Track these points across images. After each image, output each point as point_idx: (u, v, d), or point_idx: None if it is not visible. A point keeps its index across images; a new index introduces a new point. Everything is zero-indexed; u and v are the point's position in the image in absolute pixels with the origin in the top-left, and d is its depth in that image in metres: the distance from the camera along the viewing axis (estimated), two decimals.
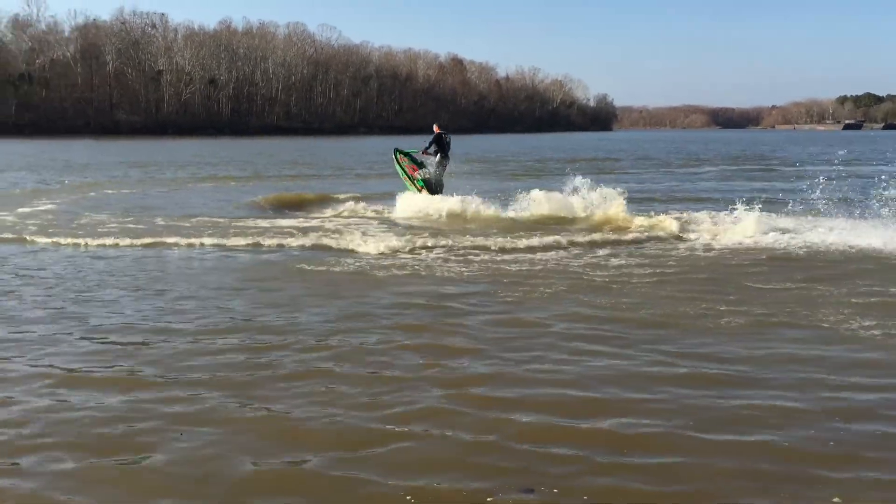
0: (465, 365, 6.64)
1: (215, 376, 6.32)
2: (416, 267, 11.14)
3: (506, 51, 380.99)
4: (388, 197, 19.87)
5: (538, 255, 12.18)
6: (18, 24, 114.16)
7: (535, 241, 13.27)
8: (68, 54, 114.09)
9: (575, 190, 17.74)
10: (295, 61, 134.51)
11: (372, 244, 12.80)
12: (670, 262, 11.46)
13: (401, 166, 20.03)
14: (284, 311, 8.55)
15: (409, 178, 19.64)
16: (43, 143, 68.15)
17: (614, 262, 11.52)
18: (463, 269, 10.96)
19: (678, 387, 6.03)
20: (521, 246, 12.91)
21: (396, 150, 20.46)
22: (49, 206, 19.04)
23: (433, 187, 19.17)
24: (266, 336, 7.50)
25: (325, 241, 13.50)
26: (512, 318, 8.18)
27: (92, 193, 23.18)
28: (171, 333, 7.60)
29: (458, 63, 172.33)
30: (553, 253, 12.41)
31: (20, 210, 18.08)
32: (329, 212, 18.88)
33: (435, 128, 19.44)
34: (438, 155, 19.14)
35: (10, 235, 14.40)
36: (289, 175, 33.03)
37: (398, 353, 6.97)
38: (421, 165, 19.73)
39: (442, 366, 6.60)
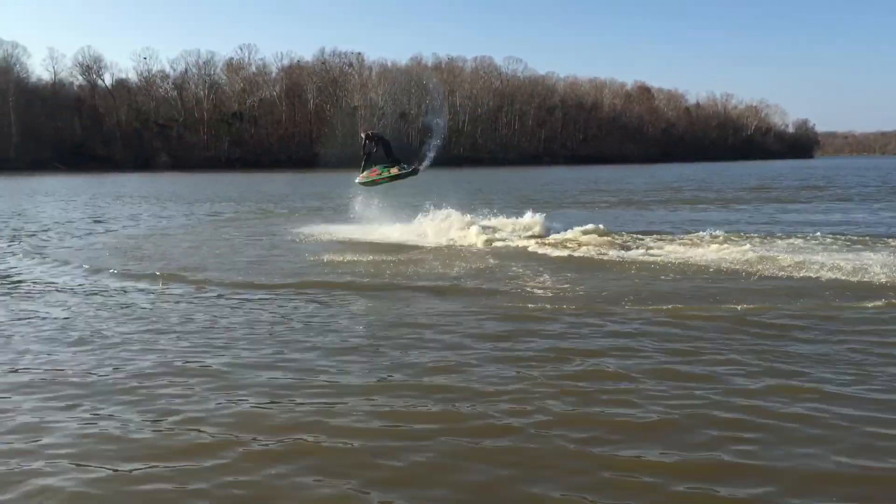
0: None
1: None
2: None
3: (696, 77, 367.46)
4: None
5: None
6: (232, 68, 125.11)
7: None
8: (275, 93, 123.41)
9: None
10: (481, 94, 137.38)
11: None
12: None
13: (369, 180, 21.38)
14: None
15: (377, 177, 21.37)
16: (262, 176, 73.34)
17: None
18: None
19: None
20: None
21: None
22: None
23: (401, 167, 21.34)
24: None
25: None
26: None
27: None
28: None
29: (645, 90, 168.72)
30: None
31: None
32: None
33: (362, 134, 21.87)
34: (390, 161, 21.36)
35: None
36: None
37: None
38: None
39: None
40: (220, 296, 11.45)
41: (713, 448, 5.43)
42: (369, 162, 21.67)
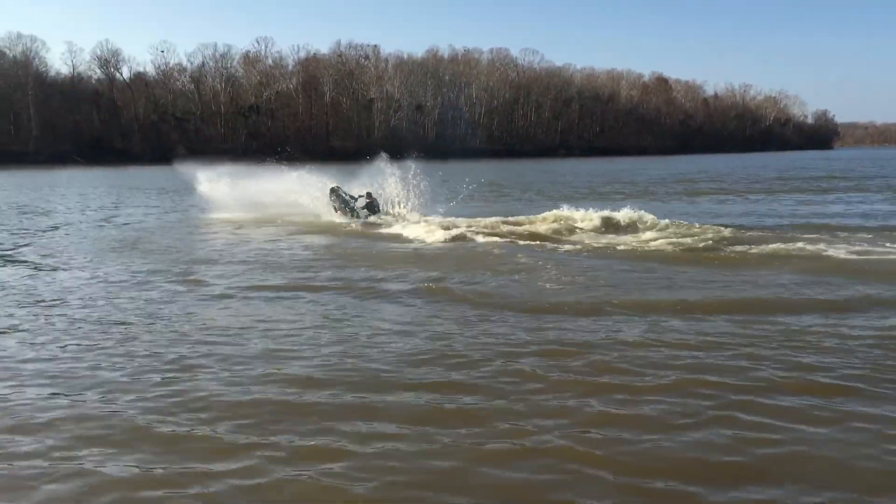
0: None
1: None
2: None
3: (714, 68, 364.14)
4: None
5: None
6: (248, 61, 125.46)
7: None
8: (291, 86, 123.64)
9: None
10: (497, 85, 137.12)
11: None
12: None
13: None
14: None
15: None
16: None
17: None
18: None
19: None
20: None
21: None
22: None
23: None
24: None
25: None
26: None
27: None
28: None
29: (662, 82, 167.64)
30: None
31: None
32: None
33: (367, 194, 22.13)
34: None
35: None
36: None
37: None
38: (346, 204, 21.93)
39: None
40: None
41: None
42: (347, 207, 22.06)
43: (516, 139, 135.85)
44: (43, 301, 10.62)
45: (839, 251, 13.47)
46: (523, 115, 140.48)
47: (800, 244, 14.27)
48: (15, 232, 20.17)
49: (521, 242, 15.96)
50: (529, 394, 6.35)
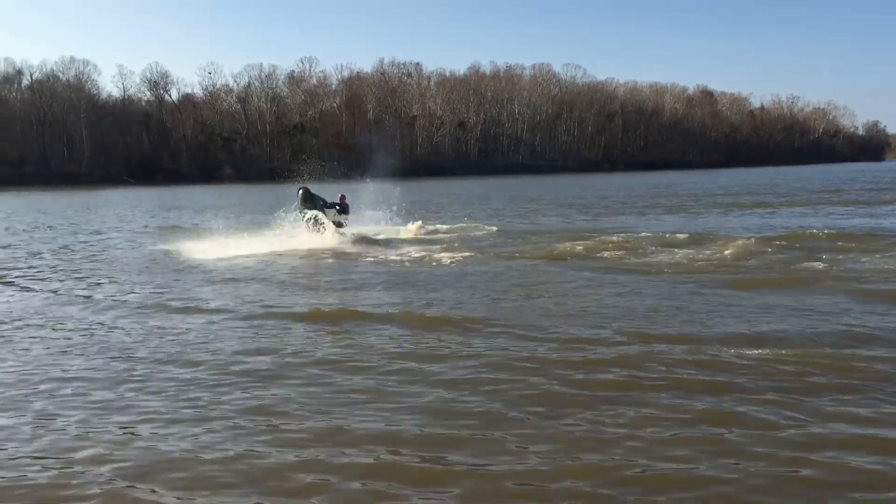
0: None
1: None
2: None
3: (761, 80, 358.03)
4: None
5: None
6: (293, 80, 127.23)
7: None
8: (335, 105, 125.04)
9: None
10: (540, 101, 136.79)
11: None
12: None
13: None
14: None
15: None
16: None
17: None
18: None
19: None
20: None
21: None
22: None
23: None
24: None
25: None
26: None
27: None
28: None
29: (707, 95, 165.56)
30: None
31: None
32: None
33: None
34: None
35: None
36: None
37: None
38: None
39: None
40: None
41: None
42: (319, 208, 21.12)
43: (559, 154, 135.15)
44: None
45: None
46: (566, 130, 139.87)
47: None
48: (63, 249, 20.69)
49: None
50: None
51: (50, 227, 29.95)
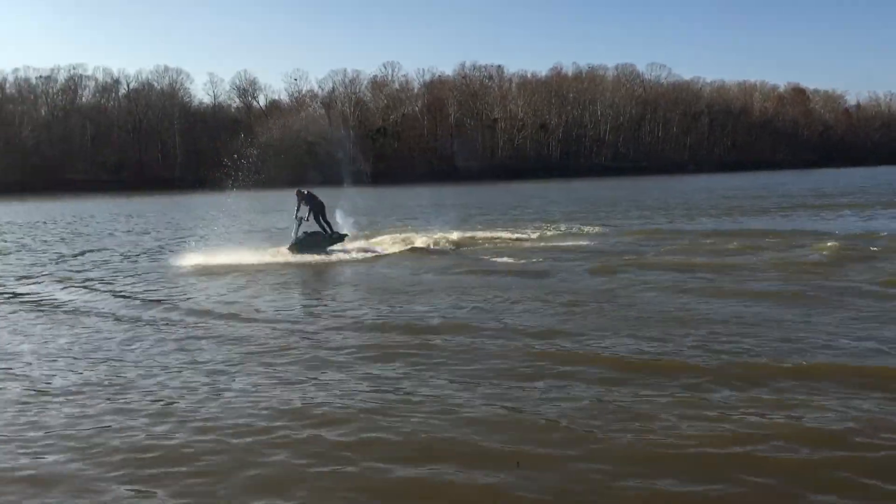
0: None
1: None
2: None
3: (856, 76, 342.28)
4: None
5: None
6: (376, 85, 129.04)
7: None
8: (416, 108, 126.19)
9: None
10: (623, 102, 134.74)
11: None
12: None
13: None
14: None
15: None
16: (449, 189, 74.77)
17: None
18: None
19: None
20: None
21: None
22: None
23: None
24: None
25: None
26: None
27: None
28: None
29: (799, 93, 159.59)
30: None
31: None
32: None
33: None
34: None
35: None
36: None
37: None
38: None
39: None
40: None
41: None
42: (300, 226, 19.94)
43: (643, 156, 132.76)
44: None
45: None
46: (650, 131, 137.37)
47: None
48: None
49: None
50: None
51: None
